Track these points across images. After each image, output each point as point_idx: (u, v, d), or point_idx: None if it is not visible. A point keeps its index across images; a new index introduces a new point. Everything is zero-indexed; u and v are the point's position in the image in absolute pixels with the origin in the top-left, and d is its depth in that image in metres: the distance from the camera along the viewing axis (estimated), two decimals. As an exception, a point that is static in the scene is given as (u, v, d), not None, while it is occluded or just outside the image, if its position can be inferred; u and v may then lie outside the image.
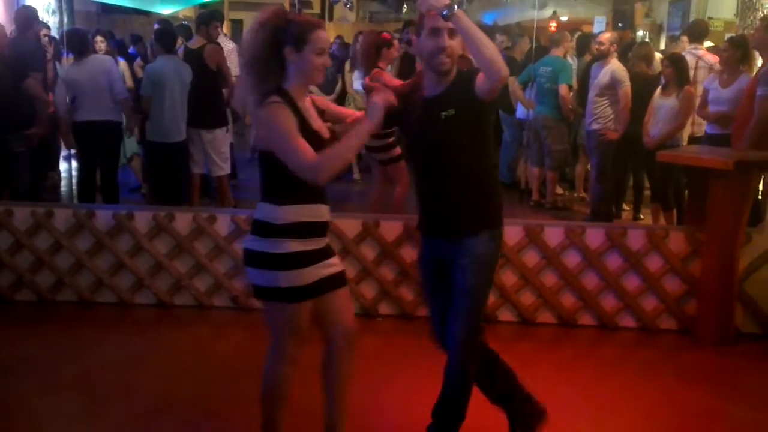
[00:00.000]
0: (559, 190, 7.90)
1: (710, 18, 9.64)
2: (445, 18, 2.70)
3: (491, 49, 2.67)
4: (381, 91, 2.85)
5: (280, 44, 2.68)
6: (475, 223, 2.93)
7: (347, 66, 8.34)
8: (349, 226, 4.77)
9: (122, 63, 7.59)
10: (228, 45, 7.57)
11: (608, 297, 4.74)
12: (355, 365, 2.97)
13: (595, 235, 4.71)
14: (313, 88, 4.73)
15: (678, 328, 4.71)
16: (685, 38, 7.53)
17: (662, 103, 6.07)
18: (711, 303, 4.49)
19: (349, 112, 3.21)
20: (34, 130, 5.72)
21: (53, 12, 9.23)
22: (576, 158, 7.89)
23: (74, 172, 6.57)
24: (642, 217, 7.03)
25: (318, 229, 2.77)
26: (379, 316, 4.86)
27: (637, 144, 6.30)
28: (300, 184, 2.64)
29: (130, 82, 7.46)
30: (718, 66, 6.17)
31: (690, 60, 6.45)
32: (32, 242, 4.95)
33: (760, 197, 5.38)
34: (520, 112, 7.79)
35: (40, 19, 7.35)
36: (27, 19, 6.34)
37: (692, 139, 6.48)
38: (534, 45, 8.04)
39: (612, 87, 6.47)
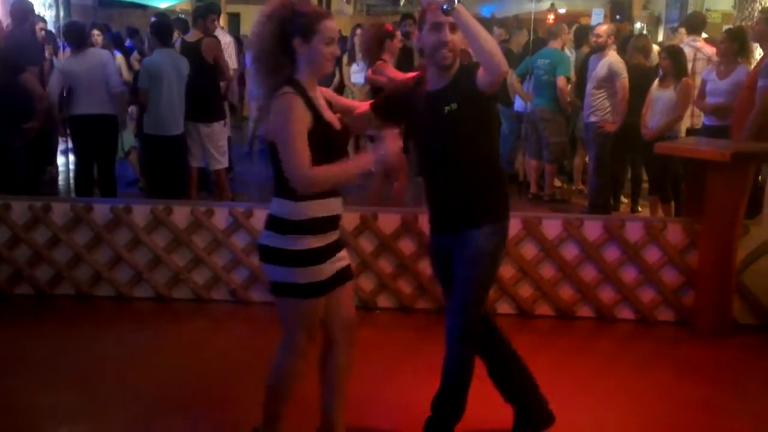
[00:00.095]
0: (558, 183, 7.91)
1: (708, 10, 9.63)
2: (446, 13, 2.72)
3: (491, 43, 2.69)
4: (393, 139, 2.74)
5: (288, 36, 2.66)
6: (478, 215, 2.94)
7: (345, 59, 8.32)
8: (348, 218, 4.75)
9: (119, 56, 7.58)
10: (225, 38, 7.55)
11: (606, 289, 4.75)
12: (354, 358, 2.98)
13: (593, 228, 4.71)
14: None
15: (676, 320, 4.72)
16: (683, 30, 7.53)
17: (660, 95, 6.07)
18: (708, 294, 4.50)
19: (356, 104, 3.20)
20: (31, 125, 5.70)
21: (50, 6, 9.20)
22: (574, 150, 7.89)
23: (72, 166, 6.57)
24: (640, 209, 7.04)
25: (333, 223, 2.77)
26: (378, 308, 4.87)
27: (635, 136, 6.30)
28: None
29: (126, 75, 7.45)
30: (716, 57, 6.17)
31: (688, 52, 6.45)
32: (30, 236, 4.95)
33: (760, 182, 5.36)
34: (518, 104, 7.80)
35: (37, 12, 7.32)
36: (23, 12, 6.31)
37: (690, 131, 6.50)
38: (532, 37, 8.04)
39: (609, 79, 6.47)
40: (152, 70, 6.15)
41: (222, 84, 6.60)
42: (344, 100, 3.22)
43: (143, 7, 12.18)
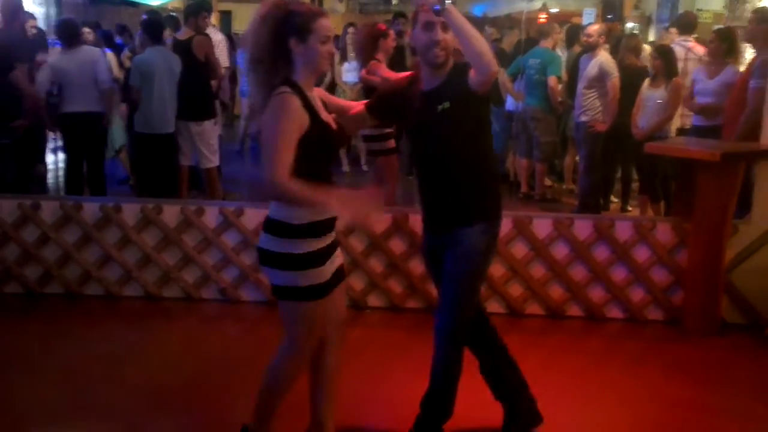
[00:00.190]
0: (548, 182, 7.93)
1: (699, 10, 9.67)
2: (437, 13, 2.74)
3: (481, 44, 2.70)
4: (377, 196, 2.71)
5: (283, 36, 2.64)
6: (469, 213, 2.95)
7: (336, 57, 8.32)
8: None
9: (109, 54, 7.54)
10: (216, 36, 7.54)
11: (596, 288, 4.76)
12: (344, 357, 2.98)
13: (583, 227, 4.72)
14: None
15: (665, 319, 4.74)
16: (674, 30, 7.55)
17: (651, 94, 6.09)
18: (697, 294, 4.52)
19: (351, 104, 3.20)
20: (20, 123, 5.68)
21: (41, 2, 9.17)
22: (565, 150, 7.91)
23: (61, 164, 6.54)
24: (630, 208, 7.06)
25: (331, 224, 2.76)
26: (368, 308, 4.87)
27: (625, 136, 6.32)
28: (313, 181, 2.61)
29: (117, 73, 7.41)
30: (707, 57, 6.19)
31: (679, 52, 6.48)
32: (19, 234, 4.92)
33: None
34: (510, 103, 7.80)
35: (28, 9, 7.29)
36: (12, 9, 6.26)
37: (681, 131, 6.51)
38: (523, 37, 8.04)
39: (600, 79, 6.48)
40: (143, 68, 6.13)
41: (213, 82, 6.58)
42: (338, 101, 3.21)
43: (134, 5, 12.14)
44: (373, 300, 4.88)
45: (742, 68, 5.90)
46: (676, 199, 5.23)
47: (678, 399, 3.75)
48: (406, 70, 4.39)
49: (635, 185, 6.85)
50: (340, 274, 2.87)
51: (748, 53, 6.53)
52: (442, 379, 3.03)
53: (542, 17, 10.99)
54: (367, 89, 5.53)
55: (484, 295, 4.69)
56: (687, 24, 7.07)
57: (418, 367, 3.14)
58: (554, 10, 12.11)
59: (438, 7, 2.71)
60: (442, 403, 3.06)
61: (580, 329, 4.71)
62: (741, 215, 4.75)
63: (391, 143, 5.64)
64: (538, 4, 11.80)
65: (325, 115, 2.74)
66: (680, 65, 6.35)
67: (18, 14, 6.34)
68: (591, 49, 6.64)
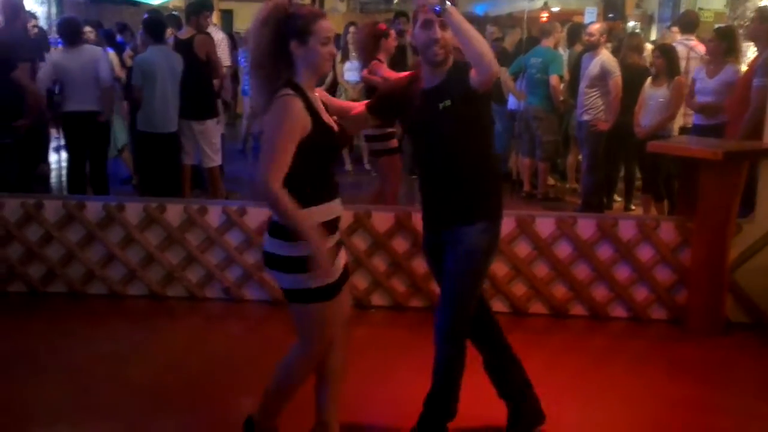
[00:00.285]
0: (551, 181, 7.92)
1: (701, 9, 9.65)
2: (437, 14, 2.76)
3: (482, 44, 2.71)
4: (325, 262, 2.59)
5: (284, 39, 2.64)
6: (470, 212, 2.95)
7: (338, 57, 8.31)
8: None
9: (111, 53, 7.53)
10: (218, 35, 7.52)
11: (599, 287, 4.76)
12: (347, 356, 2.98)
13: (586, 226, 4.72)
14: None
15: (669, 318, 4.74)
16: (676, 29, 7.54)
17: (653, 93, 6.09)
18: (701, 293, 4.52)
19: (352, 105, 3.19)
20: (22, 122, 5.68)
21: (42, 2, 9.16)
22: (567, 149, 7.90)
23: (64, 163, 6.54)
24: (633, 207, 7.05)
25: (336, 224, 2.77)
26: (372, 307, 4.87)
27: (628, 135, 6.32)
28: (316, 183, 2.62)
29: (119, 72, 7.41)
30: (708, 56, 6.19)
31: (681, 51, 6.47)
32: (23, 233, 4.92)
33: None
34: (512, 103, 7.80)
35: (29, 9, 7.28)
36: (14, 8, 6.26)
37: (684, 130, 6.51)
38: (525, 36, 8.03)
39: (602, 78, 6.48)
40: (145, 67, 6.12)
41: (215, 81, 6.58)
42: (339, 102, 3.21)
43: (136, 4, 12.11)
44: (377, 299, 4.88)
45: (743, 67, 5.89)
46: (679, 198, 5.22)
47: (682, 398, 3.75)
48: (408, 70, 4.39)
49: (638, 184, 6.84)
50: (345, 274, 2.87)
51: (751, 52, 6.52)
52: (443, 377, 3.04)
53: (544, 16, 11.00)
54: (369, 89, 5.53)
55: (487, 294, 4.69)
56: (689, 23, 7.06)
57: (422, 365, 3.14)
58: (556, 9, 12.09)
59: (438, 8, 2.73)
60: (445, 402, 3.06)
61: (584, 328, 4.71)
62: (745, 214, 4.75)
63: (394, 143, 5.63)
64: (539, 3, 11.79)
65: (326, 117, 2.74)
66: (682, 64, 6.34)
67: (19, 13, 6.33)
68: (593, 48, 6.64)
